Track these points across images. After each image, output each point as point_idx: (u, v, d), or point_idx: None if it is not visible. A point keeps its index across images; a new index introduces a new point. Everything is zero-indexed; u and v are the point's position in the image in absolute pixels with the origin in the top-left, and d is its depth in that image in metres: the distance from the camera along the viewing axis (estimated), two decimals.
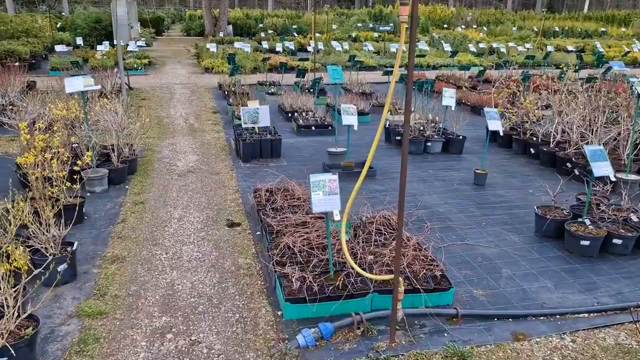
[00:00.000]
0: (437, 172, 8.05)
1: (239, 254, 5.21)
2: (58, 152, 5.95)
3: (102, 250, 5.23)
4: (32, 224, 4.59)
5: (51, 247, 4.54)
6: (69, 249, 4.66)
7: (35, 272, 3.82)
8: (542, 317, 4.22)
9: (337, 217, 4.09)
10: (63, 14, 39.75)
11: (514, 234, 5.81)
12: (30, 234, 4.58)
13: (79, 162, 5.85)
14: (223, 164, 8.31)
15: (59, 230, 4.67)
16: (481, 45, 26.31)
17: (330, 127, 10.45)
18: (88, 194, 6.73)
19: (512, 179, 7.84)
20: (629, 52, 24.59)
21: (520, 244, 5.58)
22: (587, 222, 5.46)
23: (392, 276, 3.68)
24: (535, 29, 35.96)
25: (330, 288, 4.16)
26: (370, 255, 4.66)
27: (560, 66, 19.77)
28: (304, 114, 11.31)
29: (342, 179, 8.45)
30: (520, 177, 7.98)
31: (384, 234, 5.13)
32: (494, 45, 26.61)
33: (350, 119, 7.37)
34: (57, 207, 4.95)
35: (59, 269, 4.43)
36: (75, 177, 5.78)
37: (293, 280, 4.21)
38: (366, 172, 3.88)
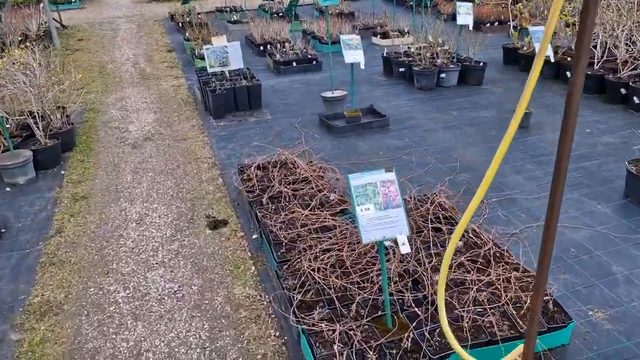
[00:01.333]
0: (463, 113, 6.37)
1: (234, 278, 3.56)
2: None
3: (27, 290, 3.50)
4: None
5: None
6: None
7: None
8: None
9: (405, 249, 2.44)
10: None
11: (601, 203, 4.29)
12: None
13: None
14: (189, 125, 6.43)
15: None
16: None
17: (314, 62, 8.53)
18: (8, 189, 4.87)
19: (557, 116, 6.25)
20: None
21: (615, 218, 4.08)
22: None
23: (519, 351, 2.13)
24: None
25: (397, 352, 2.60)
26: (437, 276, 3.08)
27: None
28: (279, 45, 9.29)
29: (347, 133, 6.75)
30: None
31: (443, 231, 3.54)
32: None
33: (354, 54, 5.52)
34: None
35: None
36: None
37: (334, 344, 2.62)
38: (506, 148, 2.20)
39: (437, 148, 5.40)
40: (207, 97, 6.58)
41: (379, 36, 10.34)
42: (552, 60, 6.28)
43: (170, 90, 7.84)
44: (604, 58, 6.90)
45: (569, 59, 7.36)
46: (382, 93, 7.24)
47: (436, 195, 3.84)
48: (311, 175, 4.21)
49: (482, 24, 10.91)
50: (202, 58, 7.98)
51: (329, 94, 6.49)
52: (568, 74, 7.25)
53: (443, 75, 7.26)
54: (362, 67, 5.55)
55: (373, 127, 5.93)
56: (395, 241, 3.11)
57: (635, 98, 6.13)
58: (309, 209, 3.79)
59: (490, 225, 3.85)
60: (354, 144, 5.59)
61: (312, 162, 4.54)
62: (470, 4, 7.24)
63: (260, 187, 4.16)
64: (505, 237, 3.75)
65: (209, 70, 6.71)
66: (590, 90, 6.82)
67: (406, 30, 10.28)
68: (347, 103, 6.41)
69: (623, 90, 6.35)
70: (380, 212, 2.39)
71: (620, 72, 6.57)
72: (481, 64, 7.39)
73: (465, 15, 7.17)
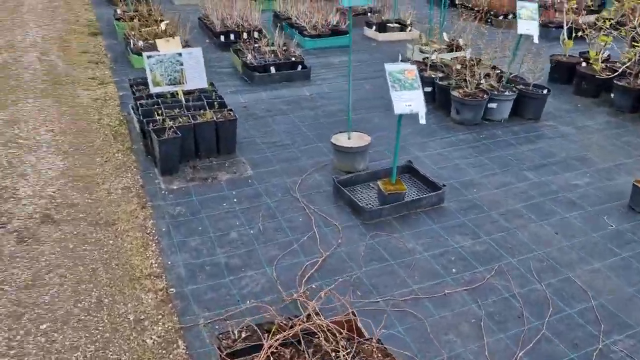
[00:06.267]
0: (542, 176, 4.26)
1: None
2: None
3: None
4: None
5: None
6: None
7: None
8: None
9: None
10: None
11: None
12: None
13: None
14: (121, 185, 3.97)
15: None
16: None
17: (301, 67, 6.17)
18: None
19: None
20: None
21: None
22: None
23: None
24: None
25: None
26: None
27: None
28: (247, 36, 6.86)
29: (385, 219, 3.45)
30: None
31: None
32: None
33: (409, 98, 3.23)
34: None
35: None
36: None
37: None
38: None
39: (537, 255, 3.31)
40: (151, 141, 4.11)
41: (374, 28, 8.07)
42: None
43: (91, 107, 5.27)
44: None
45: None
46: (405, 128, 5.01)
47: None
48: None
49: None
50: (140, 52, 5.49)
51: (343, 140, 4.19)
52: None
53: (493, 105, 5.14)
54: (422, 121, 3.26)
55: (423, 208, 3.73)
56: None
57: None
58: None
59: None
60: (401, 244, 3.40)
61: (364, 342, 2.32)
62: (535, 5, 5.12)
63: None
64: None
65: (153, 89, 4.31)
66: None
67: (408, 22, 8.07)
68: (372, 152, 4.21)
69: None
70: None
71: None
72: (544, 91, 5.32)
73: (528, 21, 5.05)
